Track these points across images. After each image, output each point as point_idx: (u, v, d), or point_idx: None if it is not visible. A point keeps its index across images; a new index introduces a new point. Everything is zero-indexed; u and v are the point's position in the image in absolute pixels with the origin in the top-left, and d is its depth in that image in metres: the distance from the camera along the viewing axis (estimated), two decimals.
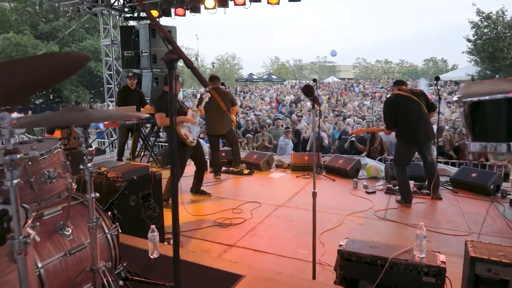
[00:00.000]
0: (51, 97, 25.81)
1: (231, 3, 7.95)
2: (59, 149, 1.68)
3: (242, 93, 26.64)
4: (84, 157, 1.37)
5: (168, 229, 3.70)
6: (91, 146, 1.37)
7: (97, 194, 1.47)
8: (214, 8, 8.04)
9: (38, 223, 1.26)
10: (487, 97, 0.88)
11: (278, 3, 7.62)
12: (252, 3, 7.78)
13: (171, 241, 3.64)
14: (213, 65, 50.96)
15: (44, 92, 23.98)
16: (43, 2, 22.23)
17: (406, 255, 2.22)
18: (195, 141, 4.57)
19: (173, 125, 1.31)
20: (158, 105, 4.36)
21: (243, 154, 6.98)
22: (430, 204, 4.61)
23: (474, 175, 5.12)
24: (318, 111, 6.85)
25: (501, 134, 0.89)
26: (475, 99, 0.90)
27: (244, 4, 7.79)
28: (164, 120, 4.31)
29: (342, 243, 2.42)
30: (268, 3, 7.63)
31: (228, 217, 4.17)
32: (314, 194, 2.43)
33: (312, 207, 2.44)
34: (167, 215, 3.85)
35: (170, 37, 1.23)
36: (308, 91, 2.21)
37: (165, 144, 8.97)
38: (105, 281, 1.47)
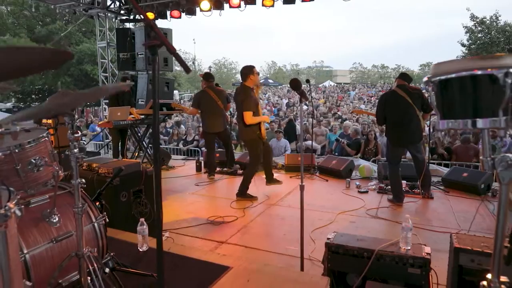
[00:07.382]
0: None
1: (226, 6, 8.00)
2: (46, 138, 1.70)
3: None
4: (70, 143, 1.39)
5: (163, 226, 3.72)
6: (77, 132, 1.39)
7: (83, 180, 1.49)
8: (209, 10, 8.07)
9: (22, 206, 1.27)
10: (453, 75, 0.92)
11: (272, 6, 7.67)
12: (247, 5, 7.83)
13: (164, 238, 3.66)
14: (210, 70, 51.08)
15: (40, 96, 23.88)
16: (39, 5, 22.25)
17: (392, 247, 2.25)
18: None
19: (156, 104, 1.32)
20: (246, 103, 4.61)
21: (237, 156, 7.00)
22: (421, 203, 4.65)
23: (465, 174, 5.17)
24: (312, 114, 6.87)
25: (468, 110, 0.92)
26: (443, 77, 0.94)
27: (239, 6, 7.83)
28: (253, 119, 4.62)
29: (330, 237, 2.44)
30: (263, 5, 7.68)
31: (220, 215, 4.17)
32: (302, 187, 2.45)
33: (300, 199, 2.47)
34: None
35: (153, 24, 1.26)
36: (296, 85, 2.24)
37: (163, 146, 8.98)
38: (91, 268, 1.48)
